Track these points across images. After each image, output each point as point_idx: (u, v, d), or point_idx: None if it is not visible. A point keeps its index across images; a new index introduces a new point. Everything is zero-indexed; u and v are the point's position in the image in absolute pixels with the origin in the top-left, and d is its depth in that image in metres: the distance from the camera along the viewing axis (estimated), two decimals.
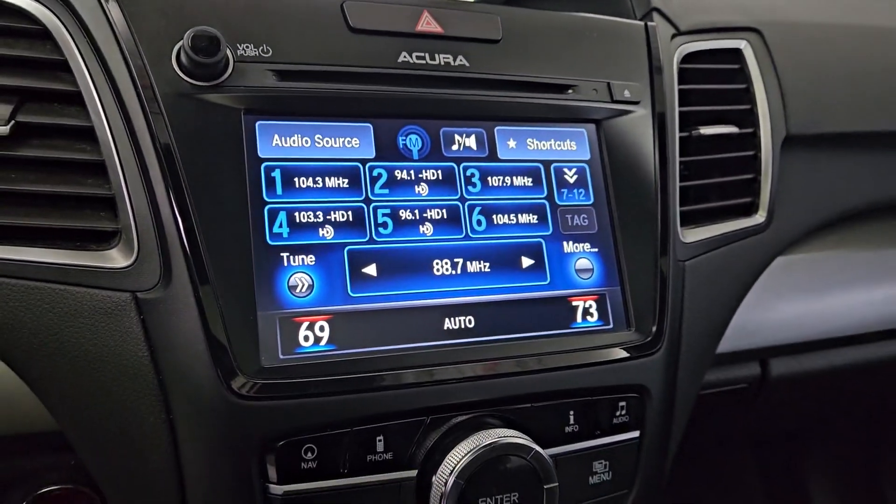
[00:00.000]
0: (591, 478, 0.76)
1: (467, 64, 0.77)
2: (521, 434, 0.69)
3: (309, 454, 0.65)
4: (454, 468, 0.66)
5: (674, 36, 0.93)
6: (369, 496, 0.67)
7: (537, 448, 0.69)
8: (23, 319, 0.64)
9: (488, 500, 0.67)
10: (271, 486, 0.65)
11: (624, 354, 0.77)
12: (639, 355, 0.77)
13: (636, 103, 0.84)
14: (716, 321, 0.88)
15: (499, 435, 0.68)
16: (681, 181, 0.86)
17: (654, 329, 0.78)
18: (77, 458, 0.70)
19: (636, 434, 0.78)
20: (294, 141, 0.71)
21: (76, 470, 0.71)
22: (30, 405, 0.67)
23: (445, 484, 0.66)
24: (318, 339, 0.68)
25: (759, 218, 0.94)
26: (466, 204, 0.75)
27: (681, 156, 0.87)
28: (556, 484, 0.70)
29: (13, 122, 0.64)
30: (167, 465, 0.65)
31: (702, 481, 1.70)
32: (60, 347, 0.64)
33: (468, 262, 0.74)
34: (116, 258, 0.65)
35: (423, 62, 0.75)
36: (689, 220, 0.88)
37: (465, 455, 0.66)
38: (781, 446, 1.71)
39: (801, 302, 1.00)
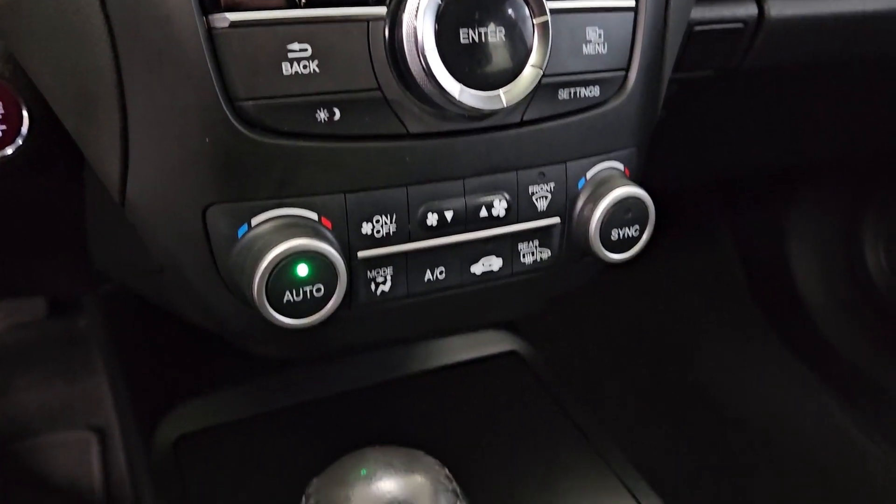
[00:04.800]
0: (584, 46, 0.67)
1: None
2: None
3: None
4: None
5: None
6: (331, 38, 0.58)
7: None
8: None
9: (470, 31, 0.59)
10: (215, 17, 0.55)
11: None
12: None
13: None
14: None
15: None
16: None
17: None
18: None
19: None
20: None
21: None
22: None
23: (418, 5, 0.56)
24: None
25: None
26: None
27: None
28: (548, 18, 0.61)
29: None
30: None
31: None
32: None
33: None
34: None
35: None
36: None
37: None
38: (760, 189, 1.66)
39: None
